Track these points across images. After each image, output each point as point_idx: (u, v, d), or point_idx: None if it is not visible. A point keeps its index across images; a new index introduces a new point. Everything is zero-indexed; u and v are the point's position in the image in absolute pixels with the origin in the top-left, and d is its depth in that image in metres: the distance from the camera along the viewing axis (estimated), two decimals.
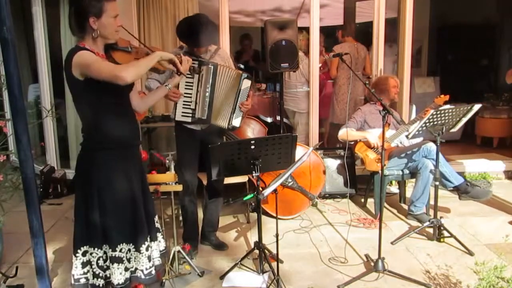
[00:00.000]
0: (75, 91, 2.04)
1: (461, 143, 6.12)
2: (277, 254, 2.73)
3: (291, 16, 5.41)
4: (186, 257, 2.91)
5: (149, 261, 2.17)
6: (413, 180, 3.80)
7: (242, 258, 2.99)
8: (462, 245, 3.17)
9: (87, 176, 2.06)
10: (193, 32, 2.87)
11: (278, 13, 5.60)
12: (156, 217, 2.33)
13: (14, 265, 2.94)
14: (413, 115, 5.38)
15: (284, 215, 3.82)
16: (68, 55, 1.97)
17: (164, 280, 2.75)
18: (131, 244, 2.11)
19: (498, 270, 2.69)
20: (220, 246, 3.32)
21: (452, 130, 3.36)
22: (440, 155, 3.34)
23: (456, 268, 2.94)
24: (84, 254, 2.10)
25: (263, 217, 3.59)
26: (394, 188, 4.57)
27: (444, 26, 7.60)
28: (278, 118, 4.55)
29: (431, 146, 3.56)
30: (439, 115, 3.16)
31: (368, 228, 3.64)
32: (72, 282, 2.11)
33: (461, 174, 3.96)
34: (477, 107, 3.26)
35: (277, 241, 2.75)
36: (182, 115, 2.94)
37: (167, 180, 2.78)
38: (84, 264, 2.10)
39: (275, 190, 2.64)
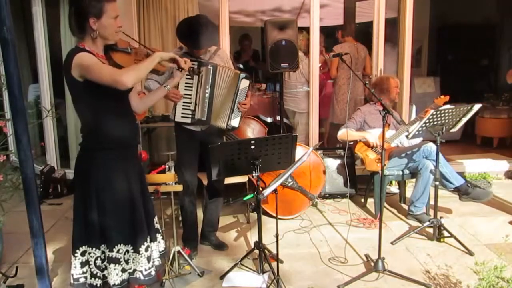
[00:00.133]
0: (75, 92, 2.03)
1: (461, 143, 6.12)
2: (277, 254, 2.73)
3: (291, 16, 5.41)
4: (187, 257, 2.91)
5: (149, 261, 2.16)
6: (413, 180, 3.80)
7: (242, 258, 2.99)
8: (462, 245, 3.17)
9: (86, 176, 2.06)
10: (193, 33, 2.86)
11: (278, 13, 5.60)
12: (156, 217, 2.33)
13: (14, 265, 2.94)
14: (413, 115, 5.38)
15: (284, 215, 3.82)
16: (67, 56, 1.97)
17: (164, 280, 2.75)
18: (129, 245, 2.11)
19: (498, 270, 2.69)
20: (220, 246, 3.32)
21: (452, 130, 3.36)
22: (441, 156, 3.35)
23: (456, 268, 2.94)
24: (83, 254, 2.10)
25: (263, 217, 3.59)
26: (394, 188, 4.57)
27: (444, 26, 7.60)
28: (278, 118, 4.55)
29: (432, 147, 3.56)
30: (439, 115, 3.16)
31: (368, 228, 3.64)
32: (72, 281, 2.11)
33: (461, 174, 3.96)
34: (477, 107, 3.26)
35: (277, 241, 2.75)
36: (182, 116, 2.94)
37: (167, 180, 2.78)
38: (83, 264, 2.10)
39: (275, 190, 2.64)
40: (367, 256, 3.08)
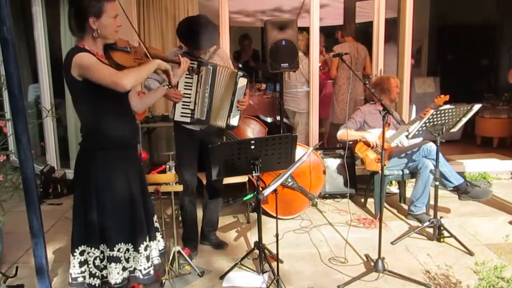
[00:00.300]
0: (74, 91, 2.04)
1: (461, 143, 6.11)
2: (277, 254, 2.73)
3: (291, 16, 5.41)
4: (187, 257, 2.91)
5: (148, 261, 2.17)
6: (413, 180, 3.80)
7: (242, 258, 2.99)
8: (462, 245, 3.17)
9: (86, 176, 2.06)
10: (193, 33, 2.86)
11: (278, 13, 5.59)
12: (155, 216, 2.33)
13: (14, 265, 2.94)
14: (413, 115, 5.38)
15: (284, 215, 3.82)
16: (67, 55, 1.97)
17: (164, 280, 2.75)
18: (129, 244, 2.11)
19: (498, 270, 2.69)
20: (220, 245, 3.32)
21: (452, 130, 3.36)
22: (440, 155, 3.34)
23: (456, 268, 2.94)
24: (81, 253, 2.10)
25: (263, 217, 3.59)
26: (394, 188, 4.57)
27: (444, 26, 7.60)
28: (278, 118, 4.55)
29: (431, 146, 3.56)
30: (439, 115, 3.16)
31: (368, 228, 3.64)
32: (70, 281, 2.12)
33: (461, 174, 3.96)
34: (477, 107, 3.26)
35: (277, 241, 2.75)
36: (181, 115, 2.94)
37: (167, 180, 2.78)
38: (81, 264, 2.11)
39: (275, 190, 2.64)
40: (367, 256, 3.08)
